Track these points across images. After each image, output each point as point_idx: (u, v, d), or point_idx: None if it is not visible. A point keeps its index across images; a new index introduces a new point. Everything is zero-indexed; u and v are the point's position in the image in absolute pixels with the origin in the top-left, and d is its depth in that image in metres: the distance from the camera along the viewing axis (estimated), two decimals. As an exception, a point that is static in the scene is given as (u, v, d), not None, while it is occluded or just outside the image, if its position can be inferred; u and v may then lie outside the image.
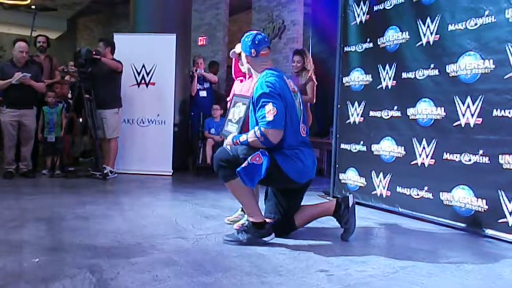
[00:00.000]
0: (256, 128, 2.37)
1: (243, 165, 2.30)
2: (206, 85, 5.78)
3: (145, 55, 5.23)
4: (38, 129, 4.82)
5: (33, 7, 7.77)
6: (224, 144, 2.54)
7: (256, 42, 2.50)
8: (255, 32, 2.60)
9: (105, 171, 4.74)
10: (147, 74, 5.28)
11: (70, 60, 5.94)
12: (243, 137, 2.42)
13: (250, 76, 2.85)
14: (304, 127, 2.54)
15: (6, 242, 2.33)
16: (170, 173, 5.16)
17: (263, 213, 2.55)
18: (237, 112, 2.66)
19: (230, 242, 2.42)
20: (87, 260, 2.07)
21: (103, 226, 2.74)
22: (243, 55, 2.57)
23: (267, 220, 2.53)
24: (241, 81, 2.94)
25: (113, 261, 2.05)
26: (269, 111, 2.31)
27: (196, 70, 5.69)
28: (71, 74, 5.31)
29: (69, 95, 5.21)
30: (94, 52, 4.72)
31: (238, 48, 2.67)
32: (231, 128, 2.66)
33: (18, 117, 4.58)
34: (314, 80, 4.33)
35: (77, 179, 4.65)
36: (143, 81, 5.29)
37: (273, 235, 2.45)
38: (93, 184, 4.41)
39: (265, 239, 2.42)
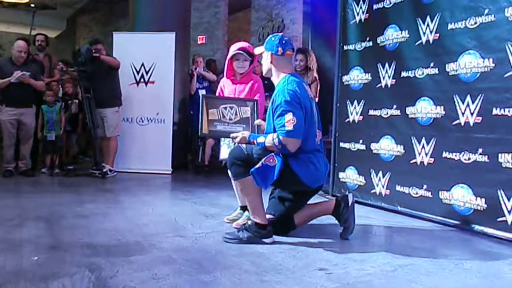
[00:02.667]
0: (275, 135, 2.37)
1: (257, 166, 2.32)
2: (205, 83, 5.77)
3: (145, 54, 5.23)
4: (38, 127, 4.81)
5: (32, 5, 7.75)
6: (235, 140, 2.52)
7: (284, 41, 2.52)
8: (280, 34, 2.63)
9: (105, 170, 4.74)
10: (146, 72, 5.28)
11: (70, 59, 5.94)
12: (261, 139, 2.42)
13: (242, 80, 2.85)
14: (319, 133, 2.55)
15: (6, 241, 2.33)
16: (170, 172, 5.16)
17: (265, 210, 2.57)
18: (230, 113, 2.61)
19: (230, 240, 2.43)
20: (86, 258, 2.07)
21: (103, 224, 2.74)
22: (266, 54, 2.53)
23: (268, 216, 2.54)
24: (232, 81, 2.91)
25: (112, 260, 2.05)
26: (289, 120, 2.32)
27: (195, 69, 5.69)
28: (69, 73, 5.30)
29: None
30: (93, 51, 4.73)
31: (258, 50, 2.63)
32: (228, 128, 2.59)
33: (17, 116, 4.58)
34: (318, 80, 4.33)
35: (76, 177, 4.65)
36: (142, 80, 5.29)
37: (273, 238, 2.45)
38: (93, 182, 4.41)
39: (265, 240, 2.42)
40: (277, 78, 2.52)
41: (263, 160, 2.33)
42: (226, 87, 2.95)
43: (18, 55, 4.57)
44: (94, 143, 4.93)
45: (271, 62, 2.51)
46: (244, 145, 2.46)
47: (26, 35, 6.25)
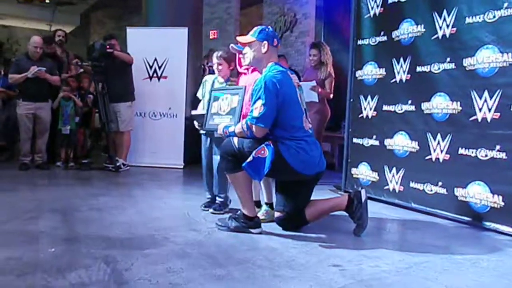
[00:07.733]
0: (244, 120, 2.46)
1: (248, 160, 2.34)
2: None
3: (157, 49, 5.25)
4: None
5: (47, 1, 7.83)
6: (218, 133, 2.63)
7: (277, 34, 2.60)
8: (269, 27, 2.67)
9: (118, 164, 4.79)
10: (159, 67, 5.31)
11: (84, 54, 5.99)
12: (231, 128, 2.52)
13: (254, 69, 2.85)
14: (308, 122, 2.55)
15: (23, 233, 2.37)
16: (181, 166, 5.19)
17: (274, 207, 2.63)
18: (225, 104, 2.71)
19: (220, 227, 2.55)
20: (101, 250, 2.10)
21: (117, 217, 2.78)
22: (260, 44, 2.53)
23: (277, 214, 2.60)
24: (245, 74, 2.95)
25: (127, 252, 2.08)
26: (257, 108, 2.39)
27: (207, 63, 5.68)
28: (84, 67, 5.35)
29: (91, 89, 5.24)
30: (107, 46, 4.77)
31: (245, 39, 2.59)
32: (220, 120, 2.68)
33: (34, 110, 4.66)
34: (333, 74, 4.30)
35: (90, 171, 4.71)
36: (155, 75, 5.32)
37: (261, 229, 2.52)
38: (106, 176, 4.46)
39: (252, 230, 2.49)
40: (264, 67, 2.55)
41: (254, 153, 2.35)
42: (241, 82, 2.98)
43: (34, 51, 4.63)
44: (107, 138, 4.98)
45: (266, 52, 2.53)
46: (235, 140, 2.47)
47: (46, 31, 6.31)
